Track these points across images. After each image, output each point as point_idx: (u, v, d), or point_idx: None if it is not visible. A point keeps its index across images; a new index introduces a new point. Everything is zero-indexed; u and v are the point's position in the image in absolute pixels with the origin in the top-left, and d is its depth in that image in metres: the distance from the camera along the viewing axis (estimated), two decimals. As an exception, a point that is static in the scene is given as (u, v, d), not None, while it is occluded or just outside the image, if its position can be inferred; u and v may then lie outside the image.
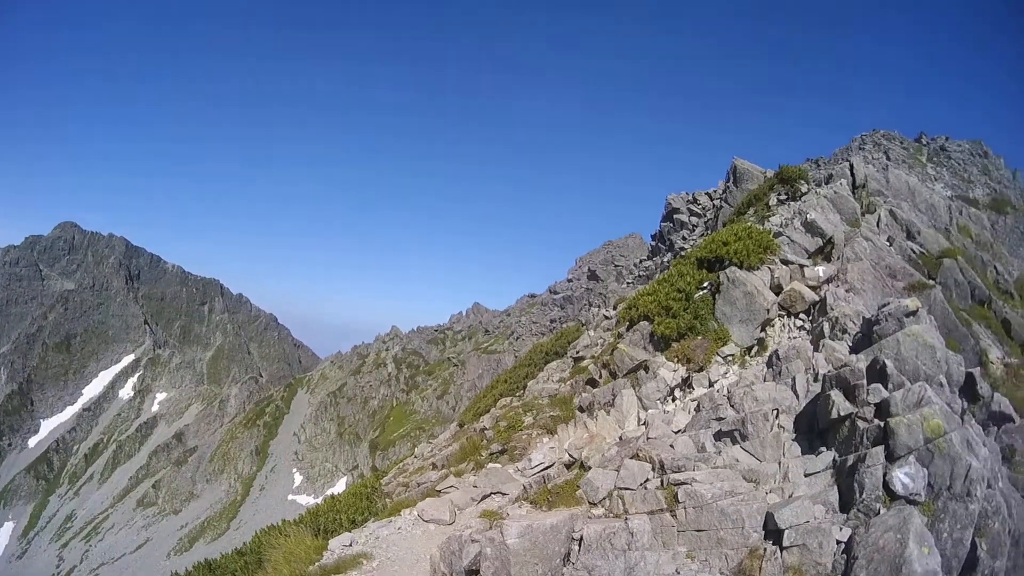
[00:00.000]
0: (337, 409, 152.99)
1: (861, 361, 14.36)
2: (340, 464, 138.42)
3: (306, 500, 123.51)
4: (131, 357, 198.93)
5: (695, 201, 57.27)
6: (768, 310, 20.62)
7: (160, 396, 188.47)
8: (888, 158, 51.94)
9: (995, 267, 28.02)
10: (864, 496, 11.29)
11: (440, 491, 17.12)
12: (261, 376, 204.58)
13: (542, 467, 17.21)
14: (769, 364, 18.05)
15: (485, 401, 31.91)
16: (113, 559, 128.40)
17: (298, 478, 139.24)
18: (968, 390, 14.55)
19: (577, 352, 27.04)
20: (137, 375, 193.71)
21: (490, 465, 18.45)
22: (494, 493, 16.26)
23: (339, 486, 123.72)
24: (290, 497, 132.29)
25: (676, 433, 16.37)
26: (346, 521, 18.49)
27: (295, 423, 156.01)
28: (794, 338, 19.81)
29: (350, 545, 13.75)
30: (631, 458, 14.39)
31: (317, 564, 13.17)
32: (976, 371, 14.90)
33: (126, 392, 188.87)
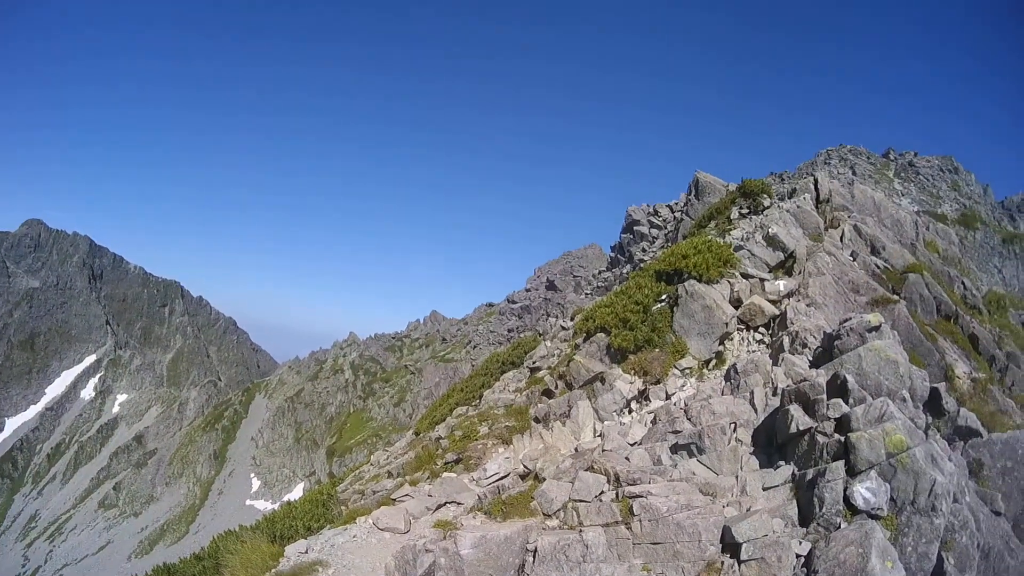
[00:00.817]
0: (295, 415, 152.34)
1: (821, 376, 14.34)
2: (297, 470, 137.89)
3: (263, 505, 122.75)
4: (93, 357, 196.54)
5: (656, 213, 57.34)
6: (727, 324, 20.58)
7: (121, 397, 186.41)
8: (854, 173, 52.39)
9: (963, 282, 28.14)
10: (824, 510, 11.21)
11: (395, 499, 16.87)
12: (220, 380, 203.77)
13: (497, 477, 17.04)
14: (727, 378, 18.03)
15: (441, 410, 31.81)
16: (76, 560, 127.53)
17: (256, 483, 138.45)
18: (933, 405, 14.55)
19: (534, 362, 26.89)
20: (98, 376, 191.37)
21: (445, 474, 18.23)
22: (449, 503, 16.04)
23: (296, 492, 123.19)
24: (248, 502, 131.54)
25: (632, 445, 16.33)
26: (302, 528, 18.59)
27: (253, 428, 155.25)
28: (753, 352, 19.82)
29: (306, 552, 13.59)
30: (586, 470, 14.32)
31: (273, 571, 13.08)
32: (941, 386, 14.94)
33: (87, 392, 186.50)
